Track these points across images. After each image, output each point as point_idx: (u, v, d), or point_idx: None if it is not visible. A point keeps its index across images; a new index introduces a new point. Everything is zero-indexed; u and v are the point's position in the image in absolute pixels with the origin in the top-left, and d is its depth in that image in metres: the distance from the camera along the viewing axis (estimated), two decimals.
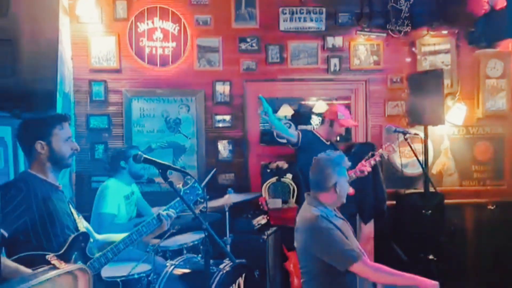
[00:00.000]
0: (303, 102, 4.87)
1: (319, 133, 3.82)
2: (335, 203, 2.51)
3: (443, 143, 4.49)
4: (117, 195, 3.30)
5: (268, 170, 4.33)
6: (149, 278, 2.89)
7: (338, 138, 4.09)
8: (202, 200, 2.78)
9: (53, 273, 1.28)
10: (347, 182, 2.53)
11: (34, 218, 1.96)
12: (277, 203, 4.21)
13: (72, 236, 2.07)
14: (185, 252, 3.32)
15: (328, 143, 3.75)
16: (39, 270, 1.30)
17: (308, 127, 4.22)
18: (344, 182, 2.49)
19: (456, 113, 4.39)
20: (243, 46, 4.29)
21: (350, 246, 2.33)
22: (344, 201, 2.52)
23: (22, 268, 1.74)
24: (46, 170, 2.11)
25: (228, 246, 3.38)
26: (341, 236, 2.35)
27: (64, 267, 1.36)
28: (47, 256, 1.54)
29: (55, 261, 1.45)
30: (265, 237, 3.72)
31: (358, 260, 2.29)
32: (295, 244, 2.56)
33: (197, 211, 2.33)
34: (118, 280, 2.76)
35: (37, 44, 1.85)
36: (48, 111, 1.94)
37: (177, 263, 3.09)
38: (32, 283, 1.19)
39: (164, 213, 2.42)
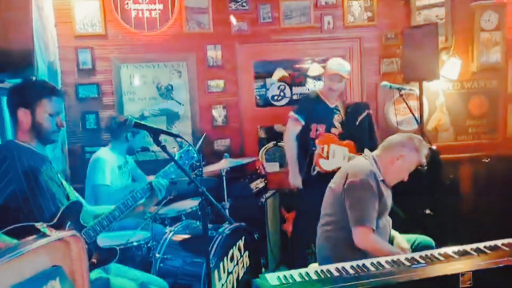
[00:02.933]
0: (297, 65, 4.77)
1: (322, 93, 3.67)
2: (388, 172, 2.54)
3: (438, 98, 4.47)
4: (110, 165, 3.25)
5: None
6: (149, 245, 2.90)
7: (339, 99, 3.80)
8: (198, 164, 2.75)
9: (43, 240, 1.24)
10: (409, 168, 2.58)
11: (23, 187, 1.91)
12: (274, 166, 4.21)
13: (64, 205, 2.04)
14: (183, 218, 3.32)
15: (332, 105, 3.64)
16: (29, 238, 1.26)
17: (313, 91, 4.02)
18: (407, 163, 2.54)
19: (450, 68, 4.35)
20: (233, 5, 4.14)
21: (369, 212, 2.36)
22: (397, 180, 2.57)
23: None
24: (31, 140, 2.06)
25: (227, 211, 3.38)
26: (371, 199, 2.39)
27: (55, 234, 1.32)
28: (36, 224, 1.50)
29: (45, 229, 1.41)
30: (263, 200, 3.73)
31: (364, 226, 2.34)
32: (331, 185, 2.61)
33: (192, 176, 2.30)
34: (117, 248, 2.77)
35: (9, 7, 1.76)
36: (25, 71, 1.86)
37: (176, 229, 3.09)
38: (23, 251, 1.15)
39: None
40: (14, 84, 2.07)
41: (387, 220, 2.58)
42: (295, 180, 3.48)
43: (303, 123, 3.53)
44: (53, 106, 2.06)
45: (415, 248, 2.61)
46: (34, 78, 2.20)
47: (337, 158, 3.43)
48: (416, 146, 2.54)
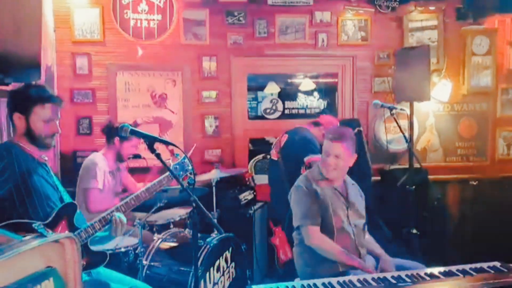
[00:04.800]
0: (290, 80, 4.84)
1: (315, 135, 3.60)
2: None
3: (428, 119, 4.55)
4: (102, 170, 3.27)
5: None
6: (136, 252, 2.90)
7: None
8: (189, 174, 2.77)
9: (40, 241, 1.26)
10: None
11: (19, 187, 1.95)
12: (263, 179, 4.23)
13: (60, 206, 2.06)
14: (172, 226, 3.33)
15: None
16: (26, 237, 1.28)
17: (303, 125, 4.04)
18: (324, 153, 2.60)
19: (441, 90, 4.44)
20: (230, 19, 4.21)
21: (310, 211, 2.46)
22: (329, 172, 2.57)
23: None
24: (27, 143, 2.09)
25: (215, 221, 3.38)
26: (305, 200, 2.50)
27: (51, 235, 1.34)
28: (33, 224, 1.52)
29: (42, 229, 1.43)
30: (252, 212, 3.75)
31: (306, 225, 2.45)
32: None
33: (185, 185, 2.32)
34: (107, 252, 2.76)
35: (20, 11, 1.79)
36: (32, 77, 1.89)
37: (164, 237, 3.10)
38: (19, 250, 1.17)
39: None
40: (13, 89, 2.10)
41: (356, 228, 2.58)
42: None
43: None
44: (47, 112, 2.09)
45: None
46: (34, 83, 2.22)
47: None
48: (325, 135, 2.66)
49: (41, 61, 1.98)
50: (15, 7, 1.72)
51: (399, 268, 2.45)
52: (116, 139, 3.33)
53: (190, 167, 2.68)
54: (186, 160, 2.60)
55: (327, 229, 2.48)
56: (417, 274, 2.20)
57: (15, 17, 1.71)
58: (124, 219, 2.33)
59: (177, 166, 2.59)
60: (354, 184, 2.79)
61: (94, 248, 2.25)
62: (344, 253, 2.42)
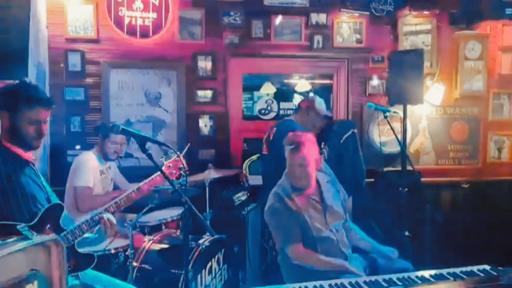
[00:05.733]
0: (286, 80, 4.83)
1: (298, 121, 3.59)
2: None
3: (421, 122, 4.58)
4: (92, 169, 3.23)
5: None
6: (126, 253, 2.86)
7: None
8: (182, 173, 2.75)
9: (24, 243, 1.23)
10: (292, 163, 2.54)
11: (3, 187, 1.90)
12: (258, 179, 4.21)
13: (46, 207, 2.02)
14: (163, 227, 3.30)
15: None
16: (10, 240, 1.25)
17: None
18: (289, 159, 2.53)
19: (434, 93, 4.47)
20: (226, 19, 4.19)
21: (288, 231, 2.42)
22: (298, 181, 2.53)
23: None
24: (13, 143, 2.05)
25: (208, 222, 3.37)
26: (281, 221, 2.45)
27: (36, 237, 1.31)
28: (18, 226, 1.48)
29: (27, 232, 1.40)
30: (245, 213, 3.73)
31: (288, 245, 2.42)
32: None
33: (177, 186, 2.30)
34: (95, 254, 2.73)
35: (7, 8, 1.77)
36: (19, 75, 1.86)
37: (155, 238, 3.07)
38: (1, 253, 1.14)
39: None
40: (4, 86, 2.06)
41: (337, 231, 2.57)
42: None
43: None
44: (34, 114, 2.04)
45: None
46: (27, 82, 2.18)
47: None
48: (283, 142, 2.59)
49: (28, 59, 1.94)
50: (3, 5, 1.69)
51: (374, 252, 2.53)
52: (99, 137, 3.31)
53: (183, 165, 2.65)
54: (180, 159, 2.57)
55: (309, 241, 2.46)
56: (408, 277, 2.21)
57: (2, 15, 1.68)
58: (113, 219, 2.29)
59: (170, 165, 2.57)
60: (328, 178, 2.73)
61: (82, 250, 2.21)
62: (330, 260, 2.42)
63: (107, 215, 2.24)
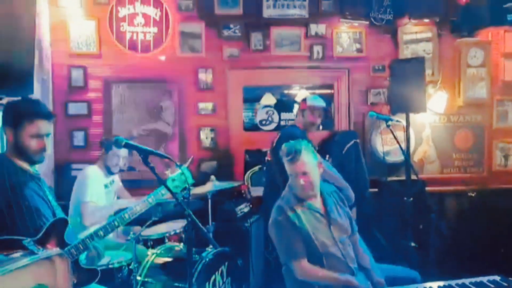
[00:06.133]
0: (286, 91, 4.84)
1: (298, 125, 3.62)
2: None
3: (425, 131, 4.55)
4: (96, 183, 3.24)
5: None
6: (130, 267, 2.85)
7: (318, 127, 3.89)
8: (187, 187, 2.74)
9: (30, 258, 1.24)
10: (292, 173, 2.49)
11: (8, 201, 1.92)
12: (260, 191, 4.19)
13: (50, 221, 2.02)
14: (166, 241, 3.28)
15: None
16: (16, 255, 1.25)
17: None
18: (288, 170, 2.48)
19: (437, 101, 4.45)
20: (226, 32, 4.23)
21: (292, 247, 2.38)
22: (302, 192, 2.49)
23: None
24: (17, 157, 2.08)
25: (211, 234, 3.35)
26: (285, 236, 2.40)
27: (41, 252, 1.31)
28: (24, 241, 1.49)
29: (33, 246, 1.40)
30: (248, 225, 3.71)
31: (292, 261, 2.37)
32: None
33: (180, 199, 2.29)
34: (98, 269, 2.72)
35: (14, 26, 1.79)
36: (25, 92, 1.88)
37: (158, 251, 3.05)
38: (9, 268, 1.14)
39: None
40: (7, 103, 2.10)
41: (343, 245, 2.50)
42: None
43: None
44: (35, 128, 2.07)
45: (398, 280, 2.59)
46: (29, 97, 2.21)
47: None
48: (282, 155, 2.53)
49: (34, 76, 1.97)
50: (8, 23, 1.72)
51: (390, 277, 2.42)
52: (102, 150, 3.32)
53: (189, 179, 2.64)
54: (185, 171, 2.56)
55: (314, 256, 2.40)
56: None
57: (8, 33, 1.70)
58: (100, 249, 2.26)
59: (175, 178, 2.56)
60: (332, 189, 2.68)
61: (85, 265, 2.20)
62: (336, 276, 2.35)
63: (93, 244, 2.21)
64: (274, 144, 3.50)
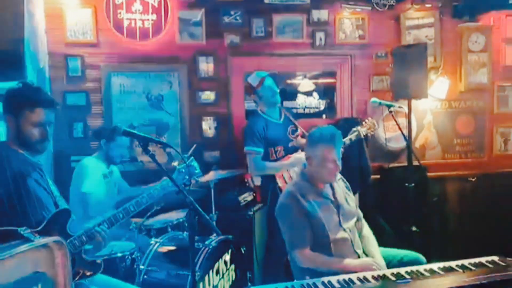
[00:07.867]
0: (288, 81, 4.80)
1: (263, 111, 3.66)
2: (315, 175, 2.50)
3: (426, 117, 4.54)
4: (95, 173, 3.20)
5: None
6: (133, 257, 2.84)
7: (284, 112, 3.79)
8: (187, 177, 2.72)
9: (26, 245, 1.21)
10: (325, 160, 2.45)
11: (9, 191, 1.88)
12: None
13: (52, 212, 1.99)
14: (169, 230, 3.27)
15: (281, 120, 3.68)
16: (12, 243, 1.22)
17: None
18: (320, 158, 2.45)
19: (439, 87, 4.43)
20: (226, 19, 4.17)
21: (297, 234, 2.38)
22: (327, 177, 2.49)
23: None
24: (19, 146, 2.04)
25: (214, 223, 3.34)
26: (294, 221, 2.39)
27: (38, 239, 1.28)
28: (19, 229, 1.46)
29: (29, 234, 1.37)
30: (252, 213, 3.70)
31: (295, 249, 2.37)
32: None
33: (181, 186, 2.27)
34: (100, 259, 2.70)
35: (2, 12, 1.75)
36: (14, 74, 1.84)
37: (161, 240, 3.04)
38: (4, 256, 1.11)
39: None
40: (8, 89, 2.05)
41: (350, 231, 2.51)
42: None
43: (262, 151, 3.53)
44: (36, 116, 2.02)
45: (401, 263, 2.59)
46: (31, 84, 2.15)
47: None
48: (315, 139, 2.49)
49: (24, 61, 1.92)
50: None
51: (395, 260, 2.48)
52: (103, 141, 3.28)
53: (197, 171, 2.62)
54: (194, 163, 2.53)
55: (323, 243, 2.40)
56: (417, 270, 2.19)
57: None
58: (105, 235, 2.22)
59: (182, 170, 2.54)
60: (339, 176, 2.66)
61: (88, 256, 2.18)
62: (340, 261, 2.35)
63: (100, 228, 2.19)
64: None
